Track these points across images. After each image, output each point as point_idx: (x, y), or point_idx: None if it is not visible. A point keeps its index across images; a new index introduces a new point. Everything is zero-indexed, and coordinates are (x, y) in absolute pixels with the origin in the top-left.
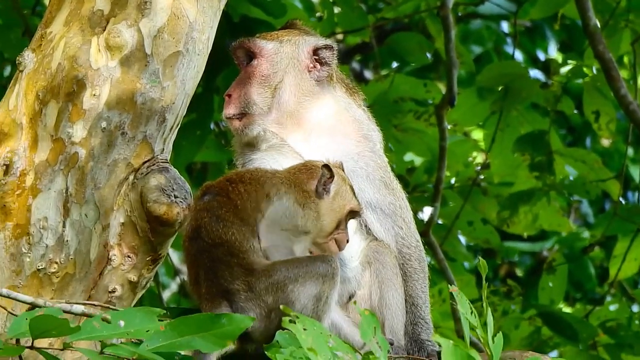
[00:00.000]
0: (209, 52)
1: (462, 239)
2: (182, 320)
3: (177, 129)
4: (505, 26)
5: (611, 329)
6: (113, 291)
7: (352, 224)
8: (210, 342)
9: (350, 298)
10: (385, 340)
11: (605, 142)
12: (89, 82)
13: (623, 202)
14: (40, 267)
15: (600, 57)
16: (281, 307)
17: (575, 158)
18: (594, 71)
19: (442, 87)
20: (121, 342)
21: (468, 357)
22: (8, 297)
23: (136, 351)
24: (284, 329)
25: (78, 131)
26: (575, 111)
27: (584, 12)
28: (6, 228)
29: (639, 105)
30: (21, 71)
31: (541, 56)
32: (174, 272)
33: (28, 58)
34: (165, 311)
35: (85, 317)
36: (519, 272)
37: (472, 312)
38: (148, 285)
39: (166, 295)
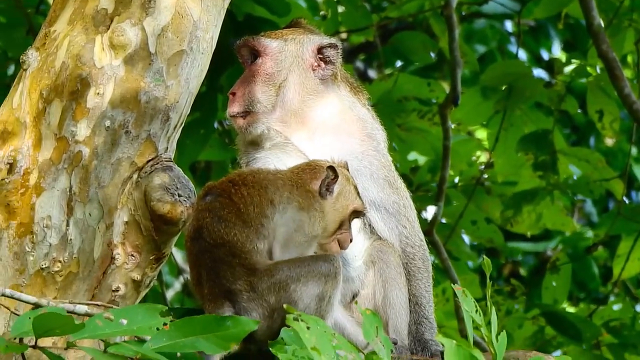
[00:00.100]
0: (213, 50)
1: (466, 238)
2: (186, 321)
3: (181, 128)
4: (509, 25)
5: (615, 328)
6: (117, 290)
7: (356, 223)
8: (214, 344)
9: (353, 297)
10: (389, 340)
11: (609, 141)
12: (92, 80)
13: (627, 201)
14: (43, 266)
15: (604, 57)
16: (284, 306)
17: (579, 157)
18: (598, 70)
19: (446, 87)
20: (124, 341)
21: (471, 357)
22: (12, 297)
23: (139, 350)
24: (287, 327)
25: (82, 130)
26: (579, 110)
27: (588, 11)
28: (10, 227)
29: None
30: (25, 70)
31: (545, 55)
32: (177, 271)
33: (32, 57)
34: (167, 308)
35: (88, 317)
36: (523, 272)
37: (476, 311)
38: (152, 284)
39: (170, 294)
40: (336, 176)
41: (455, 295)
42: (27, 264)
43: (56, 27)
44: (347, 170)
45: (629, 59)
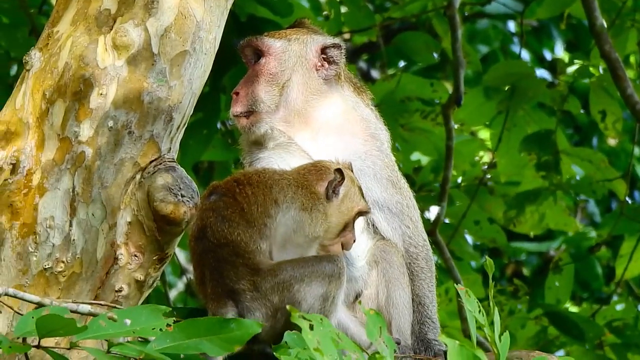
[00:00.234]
0: (216, 51)
1: (469, 238)
2: (190, 322)
3: (184, 128)
4: (511, 26)
5: (617, 328)
6: (120, 290)
7: (359, 223)
8: (218, 345)
9: (357, 297)
10: (392, 340)
11: (612, 141)
12: (95, 81)
13: (629, 201)
14: (46, 267)
15: (606, 57)
16: (287, 307)
17: (581, 158)
18: (601, 71)
19: (448, 87)
20: (128, 341)
21: (474, 357)
22: (15, 297)
23: (143, 350)
24: (290, 328)
25: (85, 130)
26: (582, 111)
27: (590, 11)
28: (13, 227)
29: None
30: (28, 70)
31: (548, 56)
32: (180, 271)
33: (35, 57)
34: (170, 308)
35: (91, 317)
36: (526, 272)
37: (479, 311)
38: (155, 284)
39: (173, 294)
40: (343, 178)
41: (458, 295)
42: (30, 264)
43: (59, 28)
44: (352, 171)
45: (632, 59)
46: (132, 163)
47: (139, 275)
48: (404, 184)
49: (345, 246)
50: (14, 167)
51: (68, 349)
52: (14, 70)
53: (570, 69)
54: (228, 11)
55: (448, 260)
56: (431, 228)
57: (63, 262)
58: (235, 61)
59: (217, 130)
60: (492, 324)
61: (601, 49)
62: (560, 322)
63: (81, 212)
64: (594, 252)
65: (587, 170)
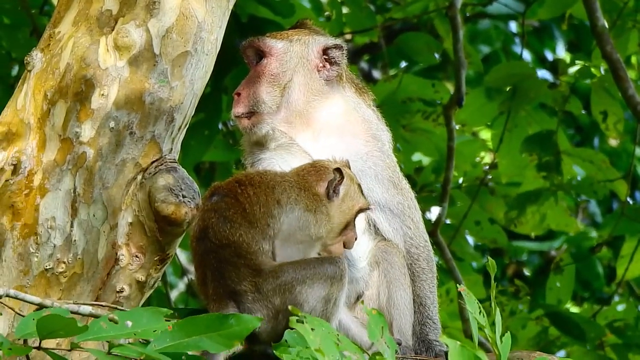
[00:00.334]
0: (217, 52)
1: (470, 239)
2: (189, 321)
3: (185, 129)
4: (513, 26)
5: (619, 329)
6: (121, 291)
7: (361, 224)
8: (218, 342)
9: (358, 298)
10: (393, 340)
11: (613, 142)
12: (97, 82)
13: (630, 202)
14: (48, 267)
15: (608, 58)
16: (289, 308)
17: (583, 158)
18: (602, 71)
19: (450, 87)
20: (129, 342)
21: (475, 358)
22: (16, 298)
23: (144, 351)
24: (292, 329)
25: (86, 131)
26: (583, 111)
27: (592, 12)
28: (14, 228)
29: None
30: (29, 71)
31: (549, 56)
32: (181, 272)
33: (36, 58)
34: (172, 311)
35: (92, 318)
36: (527, 272)
37: (480, 312)
38: (156, 285)
39: (174, 295)
40: (342, 177)
41: (459, 295)
42: (32, 265)
43: (61, 29)
44: (349, 168)
45: (633, 59)
46: (133, 164)
47: (140, 276)
48: (405, 184)
49: (347, 244)
50: (15, 168)
51: (69, 350)
52: (15, 70)
53: (572, 70)
54: (229, 12)
55: (449, 260)
56: (432, 229)
57: (64, 262)
58: (237, 62)
59: (218, 131)
60: (493, 324)
61: (602, 50)
62: (561, 322)
63: (82, 213)
64: (595, 252)
65: (588, 171)
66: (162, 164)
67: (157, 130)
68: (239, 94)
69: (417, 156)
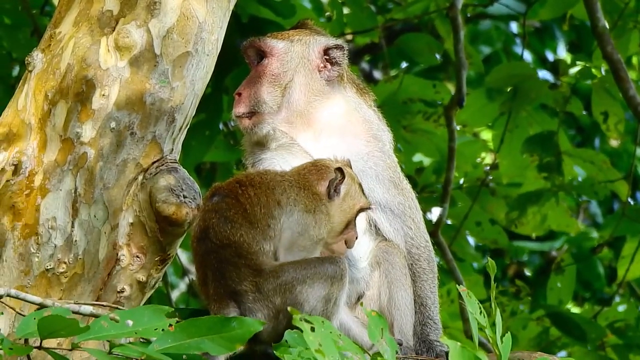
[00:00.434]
0: (218, 52)
1: (471, 239)
2: (191, 322)
3: (186, 129)
4: (514, 27)
5: (619, 329)
6: (122, 291)
7: (362, 224)
8: (219, 344)
9: (359, 299)
10: (394, 341)
11: (614, 142)
12: (98, 82)
13: (631, 202)
14: (48, 267)
15: (608, 58)
16: (289, 309)
17: (583, 159)
18: (603, 72)
19: (451, 88)
20: (130, 342)
21: (476, 358)
22: (17, 297)
23: (145, 351)
24: (292, 329)
25: (87, 131)
26: (584, 112)
27: (593, 13)
28: (15, 228)
29: None
30: (30, 71)
31: (550, 57)
32: (182, 272)
33: (37, 58)
34: (173, 309)
35: (93, 318)
36: (528, 272)
37: (481, 312)
38: (157, 285)
39: (175, 295)
40: (343, 177)
41: (460, 296)
42: (32, 265)
43: (61, 29)
44: (350, 168)
45: (634, 60)
46: (134, 164)
47: (141, 276)
48: (406, 185)
49: (348, 244)
50: (16, 168)
51: (70, 350)
52: (16, 71)
53: (573, 70)
54: (230, 12)
55: (450, 261)
56: (433, 229)
57: (65, 263)
58: (238, 62)
59: (219, 131)
60: (493, 325)
61: (603, 50)
62: (562, 323)
63: (83, 213)
64: (596, 253)
65: (589, 172)
66: (163, 165)
67: (158, 130)
68: (239, 94)
69: (418, 157)
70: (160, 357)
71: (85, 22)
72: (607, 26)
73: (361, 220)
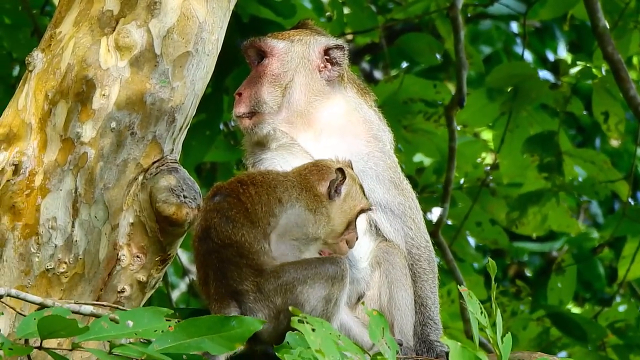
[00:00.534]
0: (218, 52)
1: (471, 239)
2: (191, 322)
3: (186, 129)
4: (514, 27)
5: (620, 329)
6: (122, 291)
7: (362, 224)
8: (219, 344)
9: (359, 299)
10: (394, 341)
11: (615, 142)
12: (98, 82)
13: (632, 203)
14: (49, 267)
15: (609, 58)
16: (290, 308)
17: (584, 159)
18: (603, 72)
19: (451, 88)
20: (130, 342)
21: (476, 359)
22: (17, 297)
23: (145, 351)
24: (293, 329)
25: (87, 131)
26: (585, 112)
27: (593, 13)
28: (15, 228)
29: None
30: (30, 71)
31: (550, 57)
32: (183, 272)
33: (37, 58)
34: (173, 311)
35: (94, 318)
36: (528, 273)
37: (481, 312)
38: (157, 285)
39: (175, 295)
40: (344, 177)
41: (460, 296)
42: (33, 265)
43: (62, 29)
44: (352, 168)
45: (635, 60)
46: (134, 164)
47: (142, 276)
48: (406, 185)
49: (349, 244)
50: (17, 168)
51: (70, 350)
52: (16, 71)
53: (573, 70)
54: (230, 12)
55: (450, 261)
56: (433, 229)
57: (65, 263)
58: (238, 62)
59: (219, 132)
60: (494, 325)
61: (604, 50)
62: (563, 323)
63: (83, 213)
64: (597, 253)
65: (590, 172)
66: (163, 165)
67: (158, 130)
68: (240, 94)
69: (418, 157)
70: (161, 357)
71: (86, 22)
72: (608, 26)
73: (361, 221)
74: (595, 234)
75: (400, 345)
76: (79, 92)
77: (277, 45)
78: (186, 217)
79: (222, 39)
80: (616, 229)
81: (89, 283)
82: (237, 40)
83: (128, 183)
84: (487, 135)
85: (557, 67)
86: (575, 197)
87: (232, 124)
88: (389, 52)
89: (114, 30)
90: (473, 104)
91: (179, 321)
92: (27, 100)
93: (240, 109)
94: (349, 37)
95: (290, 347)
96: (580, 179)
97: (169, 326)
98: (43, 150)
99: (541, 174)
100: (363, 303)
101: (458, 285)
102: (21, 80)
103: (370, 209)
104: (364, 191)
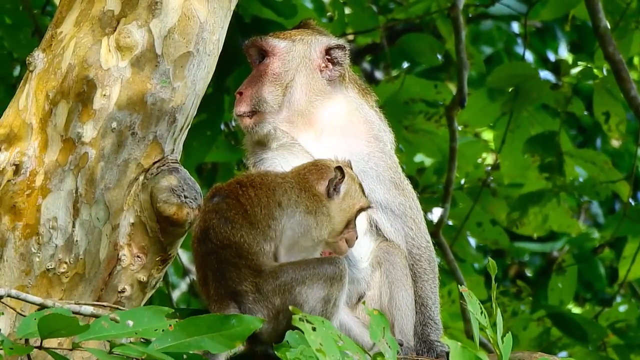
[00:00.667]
0: (219, 52)
1: (472, 240)
2: (191, 321)
3: (187, 130)
4: (515, 27)
5: (620, 330)
6: (122, 291)
7: (362, 224)
8: (219, 342)
9: (359, 299)
10: (395, 341)
11: (615, 143)
12: (99, 82)
13: (633, 203)
14: (49, 267)
15: (610, 59)
16: (290, 308)
17: (585, 159)
18: (604, 72)
19: (452, 88)
20: (130, 342)
21: (476, 359)
22: (17, 298)
23: (145, 351)
24: (292, 329)
25: (88, 131)
26: (586, 112)
27: (594, 13)
28: (16, 228)
29: None
30: (31, 71)
31: (551, 57)
32: (183, 272)
33: (38, 58)
34: (173, 310)
35: (94, 318)
36: (529, 273)
37: (482, 313)
38: (157, 285)
39: (176, 295)
40: (343, 176)
41: (461, 296)
42: (33, 265)
43: (62, 29)
44: (351, 168)
45: (636, 60)
46: (135, 164)
47: (142, 276)
48: (407, 185)
49: (348, 243)
50: (17, 168)
51: (70, 349)
52: (17, 71)
53: (574, 71)
54: (231, 12)
55: (451, 261)
56: (434, 229)
57: (66, 263)
58: (239, 62)
59: (220, 132)
60: (494, 325)
61: (605, 51)
62: (563, 323)
63: (84, 213)
64: (597, 253)
65: (591, 172)
66: (164, 165)
67: (159, 130)
68: (241, 93)
69: (419, 157)
70: (161, 356)
71: (87, 22)
72: (609, 26)
73: (362, 221)
74: (595, 234)
75: (401, 345)
76: (80, 92)
77: (278, 44)
78: (187, 217)
79: (223, 39)
80: (617, 229)
81: (89, 283)
82: (239, 40)
83: (129, 183)
84: (488, 135)
85: (558, 68)
86: (576, 197)
87: (233, 124)
88: (390, 52)
89: (114, 30)
90: (474, 104)
91: (178, 321)
92: (28, 101)
93: (241, 107)
94: (350, 37)
95: (289, 347)
96: (581, 179)
97: (169, 325)
98: (44, 150)
99: (542, 174)
100: (364, 303)
101: (459, 286)
102: (22, 81)
103: (369, 208)
104: (363, 190)
